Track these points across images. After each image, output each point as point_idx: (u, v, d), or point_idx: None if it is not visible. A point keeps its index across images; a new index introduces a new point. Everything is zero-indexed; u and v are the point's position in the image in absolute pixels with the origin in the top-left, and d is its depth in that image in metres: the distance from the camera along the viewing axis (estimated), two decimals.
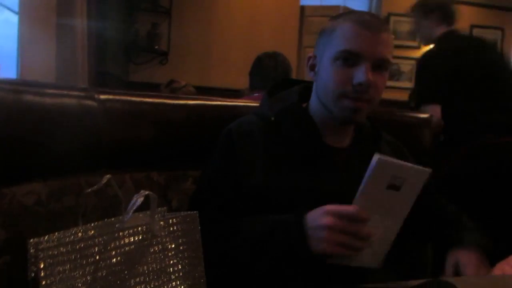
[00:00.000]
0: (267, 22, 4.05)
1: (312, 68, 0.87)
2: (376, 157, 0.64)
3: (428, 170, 0.70)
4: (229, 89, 3.78)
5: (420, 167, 0.70)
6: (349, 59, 0.77)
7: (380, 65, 0.79)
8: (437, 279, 0.63)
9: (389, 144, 0.95)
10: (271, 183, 0.80)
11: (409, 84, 4.56)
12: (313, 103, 0.88)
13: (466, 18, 4.68)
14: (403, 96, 4.19)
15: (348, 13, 0.83)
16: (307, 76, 0.91)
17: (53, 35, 1.74)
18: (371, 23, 0.78)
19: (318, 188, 0.81)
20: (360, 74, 0.76)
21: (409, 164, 0.69)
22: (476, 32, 4.73)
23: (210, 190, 0.84)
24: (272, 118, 0.85)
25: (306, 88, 0.93)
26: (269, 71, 1.78)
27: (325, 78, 0.81)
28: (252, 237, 0.75)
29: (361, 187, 0.67)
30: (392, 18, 4.49)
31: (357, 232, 0.66)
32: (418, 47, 4.60)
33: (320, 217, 0.68)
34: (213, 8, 3.95)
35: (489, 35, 4.78)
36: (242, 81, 3.54)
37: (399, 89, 4.54)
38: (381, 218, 0.70)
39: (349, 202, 0.81)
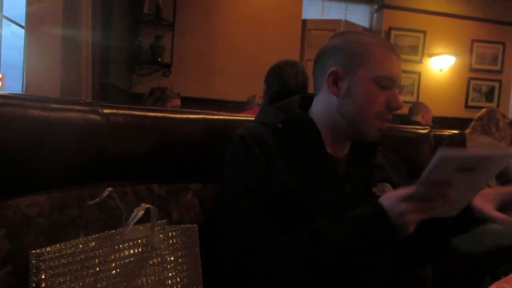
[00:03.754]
0: (269, 35, 4.11)
1: (334, 83, 0.87)
2: (438, 153, 0.60)
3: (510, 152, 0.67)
4: (232, 101, 3.82)
5: (498, 153, 0.67)
6: (386, 83, 0.84)
7: None
8: None
9: (385, 157, 0.98)
10: (288, 185, 0.81)
11: (411, 98, 4.59)
12: (319, 114, 0.90)
13: (466, 33, 4.75)
14: (404, 110, 4.21)
15: (368, 35, 0.88)
16: (319, 88, 0.91)
17: (58, 48, 1.77)
18: (397, 53, 0.86)
19: (324, 196, 0.83)
20: (397, 99, 0.84)
21: (481, 153, 0.65)
22: (477, 46, 4.78)
23: (248, 206, 0.80)
24: (279, 126, 0.87)
25: (303, 98, 0.96)
26: (290, 79, 1.75)
27: (361, 97, 0.84)
28: (339, 243, 0.73)
29: (423, 174, 0.65)
30: (393, 32, 4.55)
31: (430, 205, 0.68)
32: (420, 61, 4.65)
33: (396, 205, 0.69)
34: (215, 21, 4.01)
35: (490, 49, 4.83)
36: (244, 94, 3.59)
37: None
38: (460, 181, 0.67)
39: (352, 209, 0.81)
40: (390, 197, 0.71)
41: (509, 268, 2.09)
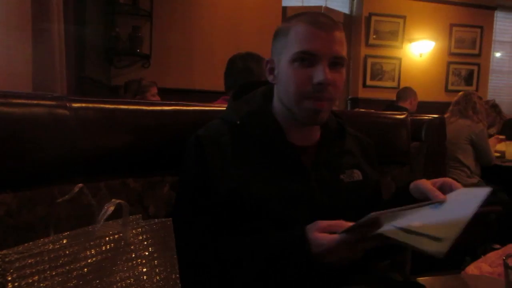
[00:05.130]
0: (249, 23, 4.06)
1: (271, 71, 0.88)
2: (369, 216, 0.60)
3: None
4: (213, 91, 3.78)
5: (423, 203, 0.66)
6: (306, 59, 0.79)
7: (337, 62, 0.81)
8: (409, 281, 0.64)
9: (357, 140, 0.97)
10: (243, 186, 0.80)
11: (392, 83, 4.62)
12: (276, 104, 0.90)
13: (445, 17, 4.78)
14: (385, 95, 4.24)
15: (300, 14, 0.85)
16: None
17: (28, 40, 1.71)
18: (324, 23, 0.80)
19: (288, 188, 0.81)
20: (319, 73, 0.78)
21: (409, 207, 0.63)
22: (455, 31, 4.83)
23: (192, 209, 0.83)
24: (238, 122, 0.86)
25: (270, 89, 0.94)
26: (239, 72, 1.78)
27: (285, 80, 0.83)
28: (257, 267, 0.75)
29: (353, 225, 0.65)
30: (373, 18, 4.55)
31: (360, 246, 0.67)
32: (400, 47, 4.68)
33: (322, 242, 0.68)
34: (194, 10, 3.94)
35: (468, 33, 4.88)
36: None
37: (381, 88, 4.60)
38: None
39: (319, 200, 0.82)
40: (321, 244, 0.68)
41: (488, 248, 2.15)
